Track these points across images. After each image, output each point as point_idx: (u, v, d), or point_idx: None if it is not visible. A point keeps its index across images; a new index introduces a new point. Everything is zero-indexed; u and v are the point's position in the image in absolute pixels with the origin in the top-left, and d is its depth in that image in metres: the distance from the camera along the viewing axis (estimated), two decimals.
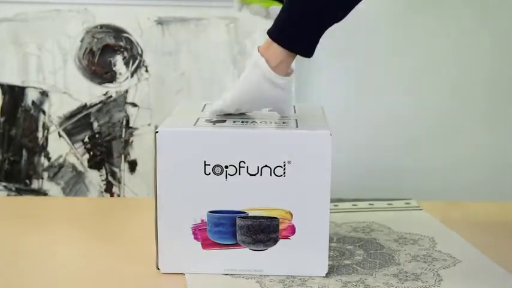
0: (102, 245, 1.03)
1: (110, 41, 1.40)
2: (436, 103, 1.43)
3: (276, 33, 0.89)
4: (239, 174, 0.90)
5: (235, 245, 0.92)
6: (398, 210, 1.21)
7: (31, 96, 1.41)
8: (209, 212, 0.91)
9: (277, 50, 0.89)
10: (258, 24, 1.37)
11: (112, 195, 1.44)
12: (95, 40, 1.40)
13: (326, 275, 0.92)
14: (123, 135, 1.44)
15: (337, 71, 1.45)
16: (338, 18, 0.89)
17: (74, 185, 1.44)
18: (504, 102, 1.46)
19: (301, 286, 0.90)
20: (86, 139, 1.43)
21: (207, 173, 0.90)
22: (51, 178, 1.43)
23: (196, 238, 0.92)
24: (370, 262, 0.97)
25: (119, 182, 1.44)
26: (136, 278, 0.92)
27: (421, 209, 1.21)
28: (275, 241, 0.92)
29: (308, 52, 0.90)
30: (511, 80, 1.46)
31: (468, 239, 1.06)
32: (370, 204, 1.24)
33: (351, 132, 1.42)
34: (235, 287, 0.90)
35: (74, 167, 1.43)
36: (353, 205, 1.23)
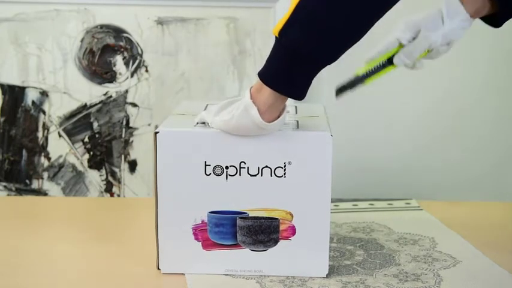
0: (102, 245, 1.03)
1: (110, 41, 1.40)
2: (436, 102, 1.43)
3: (266, 76, 0.85)
4: (239, 174, 0.90)
5: (236, 245, 0.92)
6: (399, 210, 1.22)
7: (31, 96, 1.42)
8: (210, 212, 0.91)
9: (266, 92, 0.85)
10: (258, 25, 1.38)
11: (112, 195, 1.44)
12: (95, 40, 1.40)
13: (326, 275, 0.92)
14: (123, 135, 1.44)
15: (338, 71, 1.45)
16: (331, 60, 0.84)
17: (74, 185, 1.44)
18: (506, 101, 1.47)
19: (302, 286, 0.90)
20: (86, 139, 1.43)
21: (208, 173, 0.90)
22: (51, 178, 1.43)
23: (196, 238, 0.92)
24: (370, 262, 0.97)
25: (119, 182, 1.44)
26: (137, 278, 0.93)
27: (421, 209, 1.21)
28: (275, 242, 0.92)
29: (300, 95, 0.85)
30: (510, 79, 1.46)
31: (468, 239, 1.06)
32: (370, 204, 1.24)
33: (351, 132, 1.42)
34: (236, 287, 0.90)
35: (74, 167, 1.44)
36: (353, 205, 1.24)
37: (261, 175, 0.90)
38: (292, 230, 0.92)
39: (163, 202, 0.91)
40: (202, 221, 0.92)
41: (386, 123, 1.44)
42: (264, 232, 0.91)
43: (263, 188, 0.90)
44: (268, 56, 0.86)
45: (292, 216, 0.91)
